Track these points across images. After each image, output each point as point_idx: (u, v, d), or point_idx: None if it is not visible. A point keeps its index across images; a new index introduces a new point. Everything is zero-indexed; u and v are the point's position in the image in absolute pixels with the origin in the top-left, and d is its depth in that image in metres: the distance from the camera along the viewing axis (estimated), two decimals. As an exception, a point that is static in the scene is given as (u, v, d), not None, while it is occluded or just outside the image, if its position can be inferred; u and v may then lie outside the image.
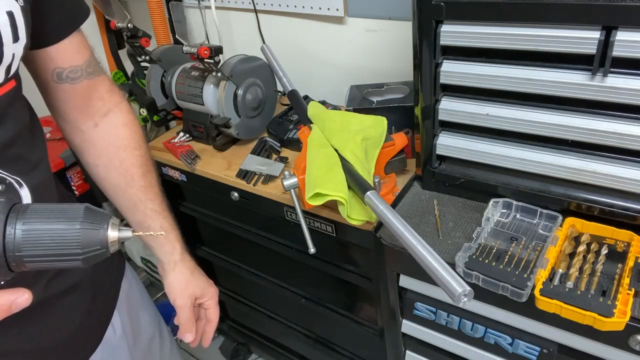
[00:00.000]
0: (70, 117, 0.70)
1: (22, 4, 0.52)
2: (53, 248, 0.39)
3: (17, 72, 0.55)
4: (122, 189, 0.74)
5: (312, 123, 0.96)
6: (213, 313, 0.84)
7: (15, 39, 0.51)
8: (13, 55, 0.52)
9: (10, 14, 0.50)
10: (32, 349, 0.63)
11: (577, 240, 0.71)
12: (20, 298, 0.41)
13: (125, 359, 0.79)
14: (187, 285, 0.80)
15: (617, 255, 0.68)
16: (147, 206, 0.75)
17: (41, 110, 0.68)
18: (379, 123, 0.90)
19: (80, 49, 0.66)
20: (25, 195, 0.56)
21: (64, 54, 0.64)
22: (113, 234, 0.41)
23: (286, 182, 0.83)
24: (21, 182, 0.56)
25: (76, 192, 2.11)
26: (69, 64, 0.65)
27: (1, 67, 0.51)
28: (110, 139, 0.73)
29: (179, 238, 0.79)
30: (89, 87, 0.69)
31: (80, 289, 0.69)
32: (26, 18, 0.53)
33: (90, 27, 1.72)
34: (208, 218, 1.27)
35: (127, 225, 0.74)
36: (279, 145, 1.13)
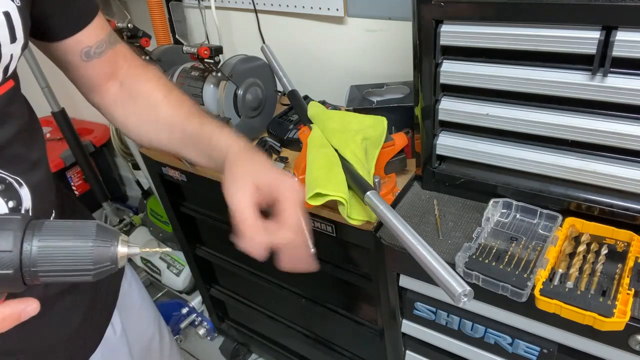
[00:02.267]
0: (100, 86, 0.71)
1: (18, 4, 0.52)
2: (66, 264, 0.41)
3: (15, 72, 0.55)
4: (153, 121, 0.71)
5: (312, 123, 0.96)
6: (290, 216, 0.61)
7: (13, 39, 0.51)
8: (11, 55, 0.52)
9: (7, 15, 0.50)
10: (33, 348, 0.63)
11: (577, 240, 0.71)
12: (29, 307, 0.42)
13: (125, 358, 0.79)
14: (245, 174, 0.59)
15: (617, 255, 0.68)
16: (184, 129, 0.68)
17: (41, 110, 0.68)
18: (379, 123, 0.90)
19: (102, 24, 0.67)
20: (25, 195, 0.57)
21: (90, 33, 0.65)
22: (122, 250, 0.43)
23: (286, 182, 0.83)
24: (21, 181, 0.56)
25: (76, 192, 2.11)
26: (95, 40, 0.66)
27: None
28: (131, 85, 0.72)
29: (223, 134, 0.64)
30: (114, 55, 0.70)
31: (80, 289, 0.69)
32: (23, 18, 0.52)
33: (90, 27, 1.71)
34: (208, 218, 1.27)
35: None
36: (279, 145, 1.13)
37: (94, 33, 0.65)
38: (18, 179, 0.56)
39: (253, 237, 0.55)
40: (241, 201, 0.56)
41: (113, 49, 0.69)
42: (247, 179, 0.57)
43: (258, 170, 0.59)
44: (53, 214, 0.64)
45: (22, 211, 0.56)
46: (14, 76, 0.56)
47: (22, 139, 0.57)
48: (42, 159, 0.62)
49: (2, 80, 0.53)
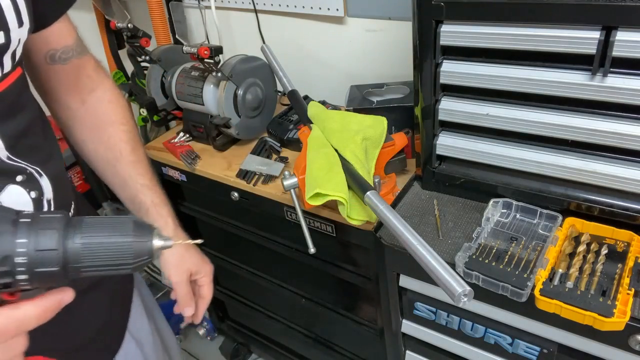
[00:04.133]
0: (59, 96, 0.71)
1: None
2: (108, 259, 0.43)
3: (21, 59, 0.55)
4: (112, 164, 0.74)
5: (312, 123, 0.96)
6: (207, 290, 0.82)
7: (20, 23, 0.51)
8: (19, 40, 0.52)
9: None
10: (62, 347, 0.63)
11: (577, 240, 0.71)
12: (66, 295, 0.44)
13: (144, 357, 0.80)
14: (182, 260, 0.78)
15: (617, 255, 0.68)
16: (137, 181, 0.75)
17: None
18: (379, 123, 0.90)
19: (70, 29, 0.67)
20: (46, 185, 0.56)
21: (57, 35, 0.64)
22: (158, 243, 0.45)
23: (286, 182, 0.83)
24: (40, 171, 0.56)
25: (76, 192, 2.11)
26: (62, 44, 0.65)
27: (8, 54, 0.51)
28: (98, 114, 0.73)
29: (171, 213, 0.78)
30: (78, 66, 0.69)
31: (101, 288, 0.69)
32: (27, 1, 0.52)
33: (90, 27, 1.72)
34: (208, 218, 1.27)
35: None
36: (279, 145, 1.13)
37: (61, 36, 0.65)
38: (37, 169, 0.56)
39: (189, 302, 0.79)
40: (180, 281, 0.77)
41: (79, 58, 0.69)
42: (181, 265, 0.78)
43: (185, 258, 0.79)
44: (72, 206, 0.64)
45: (44, 202, 0.56)
46: (21, 64, 0.56)
47: (36, 128, 0.57)
48: (56, 150, 0.62)
49: (12, 67, 0.52)
